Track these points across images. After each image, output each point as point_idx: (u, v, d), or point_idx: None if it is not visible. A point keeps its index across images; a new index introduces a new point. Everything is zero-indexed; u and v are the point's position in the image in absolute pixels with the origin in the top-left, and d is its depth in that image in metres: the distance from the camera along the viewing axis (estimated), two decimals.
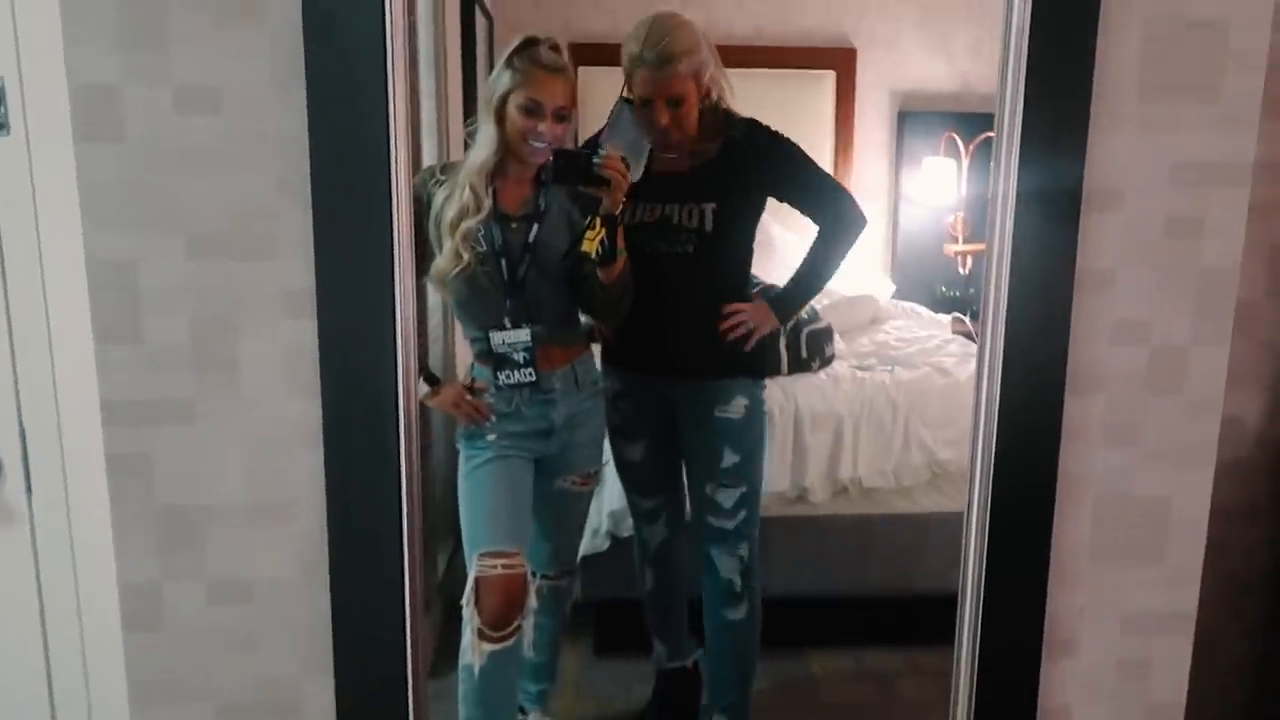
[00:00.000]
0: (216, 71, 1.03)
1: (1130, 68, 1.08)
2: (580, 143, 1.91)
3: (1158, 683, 1.20)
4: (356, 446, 1.11)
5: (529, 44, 1.67)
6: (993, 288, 1.09)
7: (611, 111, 1.82)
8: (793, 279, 1.90)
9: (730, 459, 1.90)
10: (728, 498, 1.90)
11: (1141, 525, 1.16)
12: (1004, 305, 1.09)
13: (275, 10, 1.02)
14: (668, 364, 1.92)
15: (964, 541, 1.14)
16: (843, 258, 1.90)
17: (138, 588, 1.16)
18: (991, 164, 1.10)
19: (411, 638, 1.16)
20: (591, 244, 1.66)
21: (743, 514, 1.91)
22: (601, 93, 2.49)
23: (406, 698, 1.16)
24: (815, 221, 1.88)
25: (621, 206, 1.67)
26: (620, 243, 1.68)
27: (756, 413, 1.92)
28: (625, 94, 1.80)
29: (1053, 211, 1.06)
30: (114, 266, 1.06)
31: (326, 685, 1.16)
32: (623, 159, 1.66)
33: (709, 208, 1.79)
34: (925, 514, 2.28)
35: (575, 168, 1.65)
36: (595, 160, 1.63)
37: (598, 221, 1.66)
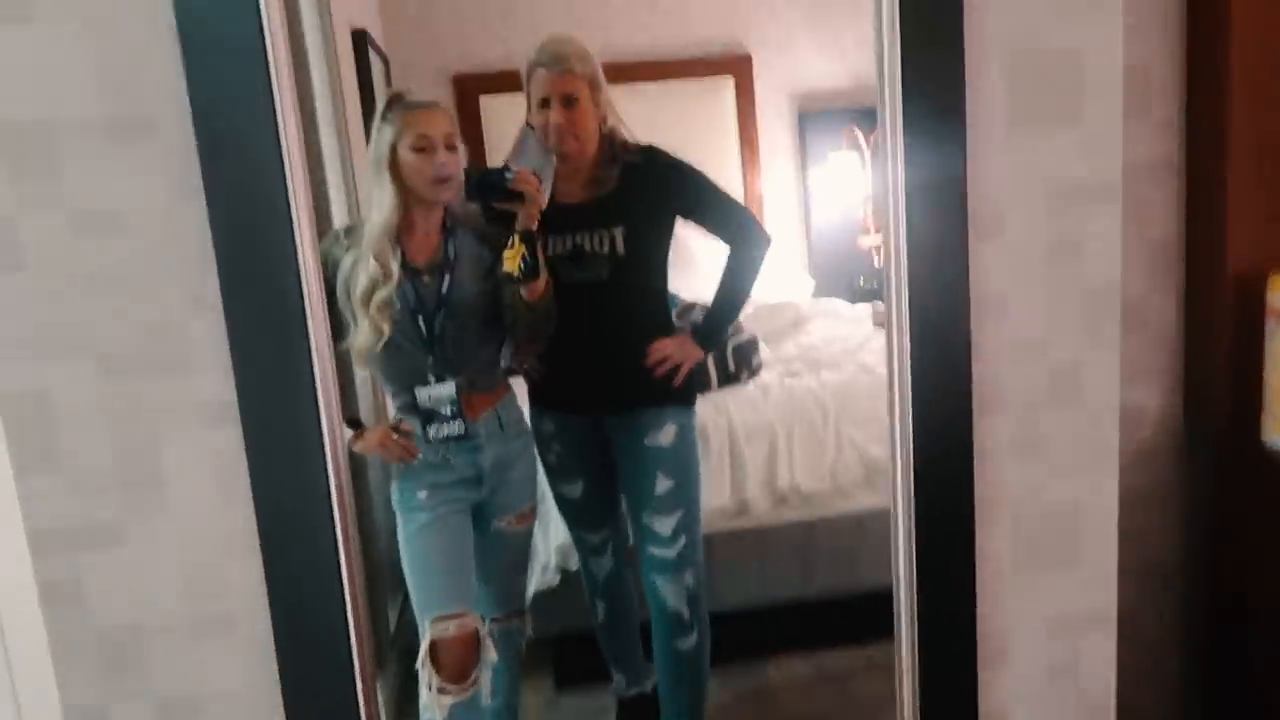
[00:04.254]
0: (112, 194, 1.03)
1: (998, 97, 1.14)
2: None
3: (1087, 682, 1.26)
4: (293, 547, 1.11)
5: (395, 96, 1.74)
6: (895, 332, 1.14)
7: (517, 138, 1.84)
8: (711, 307, 1.94)
9: (664, 485, 1.92)
10: (665, 525, 1.93)
11: (1056, 532, 1.22)
12: (907, 339, 1.14)
13: (166, 127, 1.02)
14: (595, 399, 1.94)
15: (893, 573, 1.19)
16: (755, 276, 1.94)
17: (83, 711, 1.15)
18: (882, 252, 1.14)
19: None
20: (513, 261, 1.68)
21: (683, 541, 1.93)
22: (500, 120, 2.51)
23: None
24: (724, 241, 1.92)
25: (537, 222, 1.70)
26: (541, 257, 1.71)
27: (687, 438, 1.95)
28: (529, 120, 1.82)
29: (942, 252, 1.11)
30: (25, 397, 1.06)
31: None
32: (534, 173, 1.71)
33: (618, 231, 1.83)
34: (863, 511, 2.34)
35: (489, 184, 1.70)
36: (508, 175, 1.68)
37: (516, 239, 1.69)
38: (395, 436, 1.79)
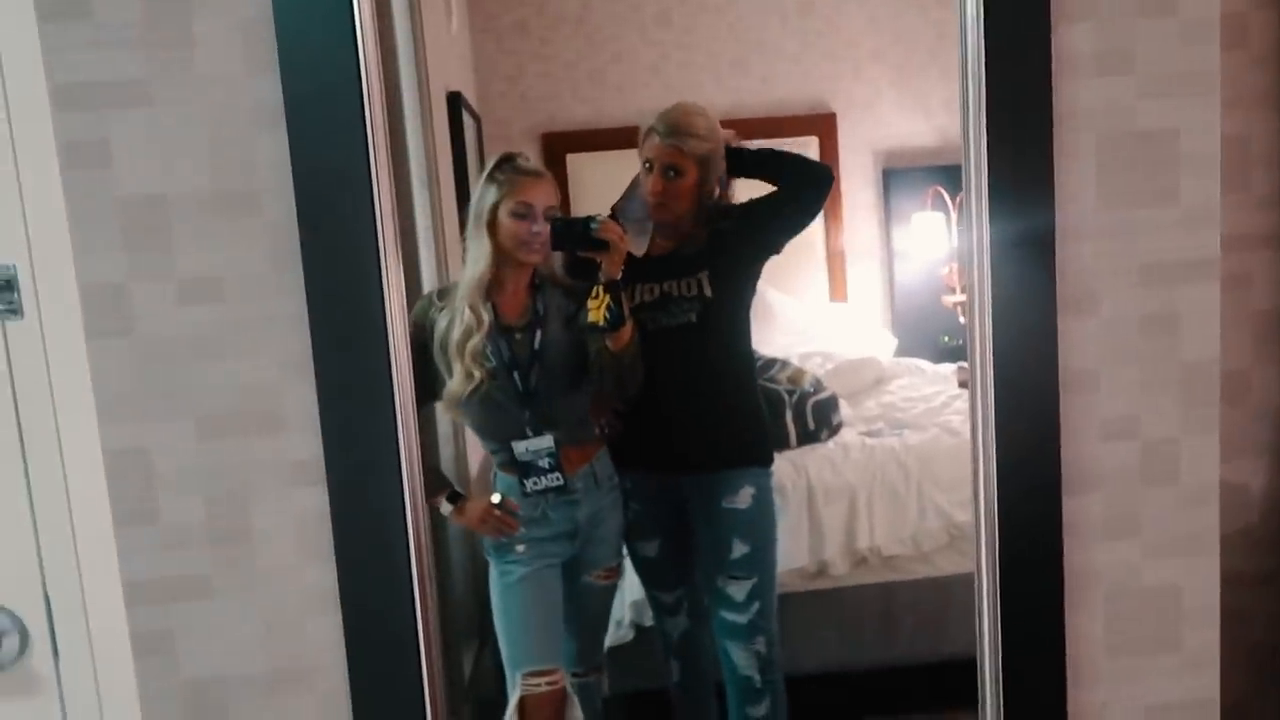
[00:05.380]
0: (217, 263, 1.08)
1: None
2: None
3: None
4: (373, 606, 1.14)
5: (507, 158, 1.79)
6: (979, 404, 1.11)
7: (631, 182, 1.89)
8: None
9: (740, 550, 1.91)
10: (739, 590, 1.91)
11: (1154, 615, 1.17)
12: (992, 412, 1.12)
13: (268, 200, 1.07)
14: (674, 459, 1.94)
15: (978, 650, 1.16)
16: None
17: None
18: (967, 310, 1.13)
19: None
20: (597, 312, 1.71)
21: (756, 606, 1.91)
22: (586, 178, 2.55)
23: None
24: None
25: (621, 272, 1.72)
26: (626, 307, 1.73)
27: (765, 502, 1.93)
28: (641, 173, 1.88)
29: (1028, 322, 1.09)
30: (128, 455, 1.11)
31: None
32: (622, 226, 1.74)
33: (704, 275, 1.85)
34: (947, 577, 2.28)
35: (573, 233, 1.73)
36: (593, 225, 1.70)
37: (600, 289, 1.71)
38: (497, 513, 1.81)
